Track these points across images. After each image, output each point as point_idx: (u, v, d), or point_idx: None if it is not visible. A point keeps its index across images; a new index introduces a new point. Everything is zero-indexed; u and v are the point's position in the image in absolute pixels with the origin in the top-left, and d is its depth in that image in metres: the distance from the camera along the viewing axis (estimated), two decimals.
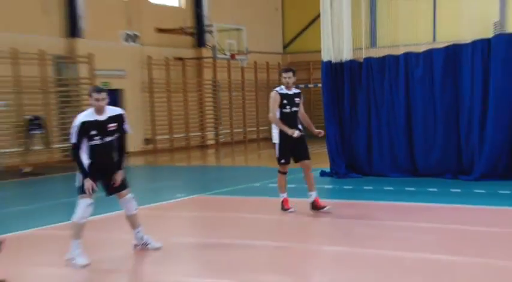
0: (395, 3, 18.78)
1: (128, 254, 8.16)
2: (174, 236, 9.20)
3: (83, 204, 7.65)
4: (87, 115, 7.75)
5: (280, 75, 10.35)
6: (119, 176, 7.95)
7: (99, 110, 7.74)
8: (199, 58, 26.06)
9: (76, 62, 21.39)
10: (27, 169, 18.61)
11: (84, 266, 7.52)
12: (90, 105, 7.85)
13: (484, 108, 13.62)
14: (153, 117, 24.15)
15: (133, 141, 22.19)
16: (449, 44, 14.40)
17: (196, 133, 26.17)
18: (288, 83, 10.12)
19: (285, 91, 10.13)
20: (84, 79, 21.38)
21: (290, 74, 10.14)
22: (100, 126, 7.73)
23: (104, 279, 7.38)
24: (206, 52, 25.77)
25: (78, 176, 7.73)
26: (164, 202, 12.21)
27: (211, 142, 26.82)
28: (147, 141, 24.11)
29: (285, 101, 10.05)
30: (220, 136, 27.28)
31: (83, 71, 21.49)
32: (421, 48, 14.91)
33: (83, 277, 7.38)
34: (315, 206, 10.16)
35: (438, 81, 14.25)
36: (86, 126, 7.65)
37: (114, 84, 22.62)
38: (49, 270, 7.63)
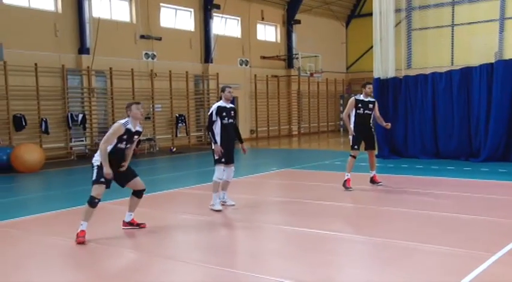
0: (425, 36, 18.18)
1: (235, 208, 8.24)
2: (269, 196, 9.32)
3: (219, 169, 7.81)
4: (220, 103, 7.85)
5: (363, 86, 9.51)
6: (244, 146, 8.05)
7: (228, 99, 7.87)
8: (288, 76, 26.01)
9: (208, 78, 21.83)
10: (174, 149, 19.05)
11: (219, 211, 7.71)
12: (221, 98, 7.91)
13: (488, 110, 13.19)
14: (256, 115, 24.36)
15: (243, 131, 22.52)
16: (463, 66, 13.96)
17: (285, 126, 26.18)
18: (367, 93, 9.43)
19: (361, 98, 9.48)
20: (212, 90, 21.81)
21: (371, 85, 9.56)
22: (228, 111, 7.82)
23: (225, 218, 7.52)
24: (293, 72, 25.67)
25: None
26: (262, 173, 12.28)
27: (295, 132, 26.76)
28: (252, 131, 24.36)
29: (359, 105, 9.41)
30: (301, 128, 27.17)
31: (212, 85, 21.94)
32: (443, 70, 14.47)
33: (211, 218, 7.43)
34: (373, 181, 9.84)
35: (455, 92, 13.81)
36: (219, 110, 7.77)
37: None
38: (184, 216, 7.74)
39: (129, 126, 6.42)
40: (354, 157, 9.50)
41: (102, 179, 6.26)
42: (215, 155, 7.82)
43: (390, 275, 4.94)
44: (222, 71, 21.96)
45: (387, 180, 10.22)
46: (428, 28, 19.57)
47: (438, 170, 12.08)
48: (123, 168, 6.55)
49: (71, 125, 16.83)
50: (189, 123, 20.77)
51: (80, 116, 17.06)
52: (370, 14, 15.31)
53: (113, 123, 17.38)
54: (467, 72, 13.64)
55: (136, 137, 6.54)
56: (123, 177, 6.62)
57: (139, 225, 6.88)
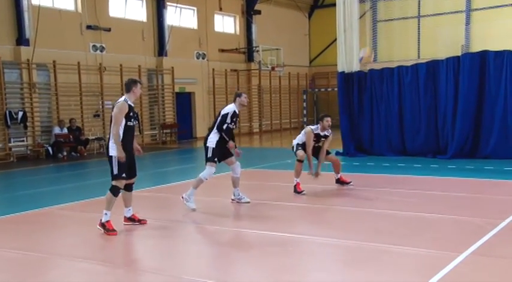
0: (390, 29, 18.58)
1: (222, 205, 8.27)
2: (228, 197, 9.29)
3: (211, 168, 8.03)
4: (235, 107, 8.16)
5: (320, 119, 9.32)
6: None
7: (243, 105, 8.30)
8: (248, 70, 26.08)
9: (162, 73, 21.63)
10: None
11: (193, 210, 7.95)
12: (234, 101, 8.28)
13: (455, 105, 13.61)
14: (214, 112, 24.23)
15: (200, 130, 22.48)
16: (429, 60, 14.36)
17: (245, 123, 26.23)
18: (324, 126, 9.31)
19: (318, 131, 9.35)
20: (167, 85, 21.63)
21: (329, 118, 9.34)
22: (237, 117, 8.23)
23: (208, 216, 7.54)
24: (254, 65, 25.76)
25: (210, 150, 8.04)
26: (220, 174, 12.22)
27: (256, 130, 26.86)
28: (210, 129, 24.22)
29: (314, 139, 9.32)
30: (263, 125, 27.30)
31: (167, 79, 21.76)
32: (409, 63, 14.84)
33: (167, 223, 7.43)
34: (341, 181, 9.87)
35: (422, 86, 14.19)
36: (234, 115, 8.10)
37: (188, 89, 22.95)
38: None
39: (129, 102, 6.74)
40: (301, 161, 9.31)
41: (124, 175, 6.66)
42: (209, 153, 8.07)
43: (356, 278, 5.04)
44: (178, 65, 21.81)
45: (353, 179, 10.40)
46: (394, 19, 20.07)
47: (405, 167, 12.38)
48: (140, 153, 6.99)
49: (9, 123, 16.34)
50: (142, 121, 20.52)
51: (20, 113, 16.59)
52: (334, 5, 15.52)
53: (59, 121, 17.37)
54: (433, 65, 14.03)
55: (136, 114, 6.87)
56: (130, 169, 6.83)
57: (140, 222, 7.10)
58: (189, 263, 5.76)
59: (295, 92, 28.82)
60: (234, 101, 8.30)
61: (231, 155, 8.32)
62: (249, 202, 8.47)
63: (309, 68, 30.21)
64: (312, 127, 9.45)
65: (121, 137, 6.62)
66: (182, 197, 8.11)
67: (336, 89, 18.11)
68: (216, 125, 8.16)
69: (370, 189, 9.57)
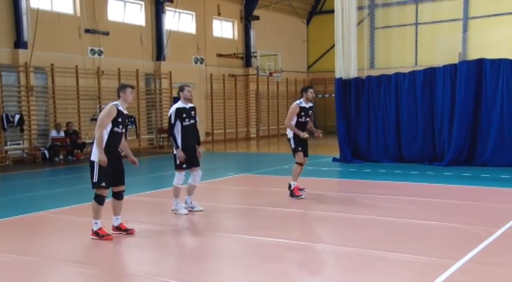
0: (388, 36, 18.62)
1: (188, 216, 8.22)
2: (224, 203, 9.30)
3: (180, 175, 7.88)
4: (179, 104, 7.83)
5: (304, 91, 9.31)
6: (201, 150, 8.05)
7: (187, 99, 7.86)
8: (246, 75, 26.09)
9: (160, 77, 21.62)
10: (123, 153, 18.71)
11: (186, 214, 7.88)
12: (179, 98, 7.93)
13: (452, 112, 13.65)
14: (212, 116, 24.31)
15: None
16: (427, 67, 14.40)
17: (243, 128, 26.24)
18: (308, 98, 9.25)
19: (303, 104, 9.25)
20: (165, 90, 21.62)
21: (312, 90, 9.36)
22: (188, 112, 7.82)
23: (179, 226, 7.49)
24: (252, 71, 25.76)
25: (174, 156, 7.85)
26: (218, 178, 12.19)
27: (253, 135, 26.85)
28: (208, 134, 24.26)
29: (302, 113, 9.21)
30: (260, 131, 27.29)
31: (165, 84, 21.75)
32: (407, 70, 14.89)
33: (164, 227, 7.43)
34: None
35: (419, 93, 14.23)
36: (178, 112, 7.76)
37: None
38: (137, 225, 7.65)
39: (120, 108, 6.52)
40: (301, 164, 9.25)
41: (104, 184, 6.42)
42: (177, 160, 7.83)
43: None
44: (176, 70, 21.80)
45: (348, 185, 10.40)
46: (392, 27, 20.11)
47: (401, 174, 12.36)
48: (136, 164, 6.75)
49: (6, 126, 16.30)
50: (140, 126, 20.49)
51: (17, 116, 16.54)
52: (332, 11, 15.56)
53: (56, 124, 17.34)
54: (430, 73, 14.06)
55: (127, 121, 6.65)
56: (116, 176, 6.60)
57: (128, 231, 6.85)
58: (184, 268, 5.73)
59: (293, 97, 28.77)
60: (179, 97, 7.95)
61: (197, 164, 8.06)
62: (201, 210, 8.15)
63: (306, 74, 30.25)
64: (297, 101, 9.32)
65: (104, 142, 6.37)
66: (172, 210, 7.97)
67: (333, 95, 18.13)
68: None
69: (367, 195, 9.54)
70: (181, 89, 7.91)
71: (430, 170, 12.96)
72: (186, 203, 8.16)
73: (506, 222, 7.11)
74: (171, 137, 7.81)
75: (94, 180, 6.42)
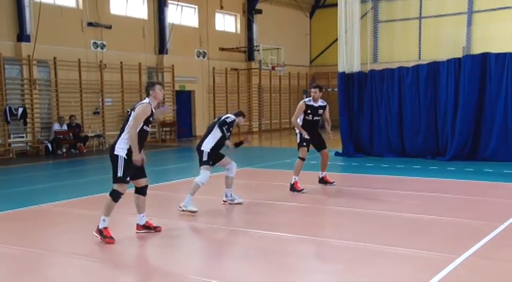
0: (392, 29, 18.56)
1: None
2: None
3: (206, 172, 7.86)
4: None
5: (309, 87, 9.73)
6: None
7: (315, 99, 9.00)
8: (249, 69, 26.07)
9: (162, 71, 21.62)
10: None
11: (195, 211, 7.65)
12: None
13: (455, 107, 13.61)
14: (214, 110, 24.26)
15: (200, 128, 22.45)
16: (430, 61, 14.36)
17: (245, 123, 26.25)
18: (313, 98, 9.29)
19: (311, 103, 9.33)
20: (167, 83, 21.63)
21: (317, 90, 9.31)
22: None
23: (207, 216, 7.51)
24: (254, 64, 25.74)
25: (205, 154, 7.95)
26: (220, 172, 12.19)
27: (256, 129, 26.86)
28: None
29: (308, 111, 9.29)
30: (263, 125, 27.30)
31: (167, 77, 21.76)
32: (411, 64, 14.85)
33: (168, 220, 7.38)
34: (324, 181, 9.87)
35: (422, 87, 14.19)
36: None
37: (188, 87, 22.95)
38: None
39: (153, 107, 6.36)
40: (303, 159, 9.33)
41: (128, 179, 6.22)
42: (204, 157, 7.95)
43: (354, 278, 5.04)
44: (178, 63, 21.80)
45: (351, 179, 10.40)
46: (395, 20, 20.05)
47: (404, 169, 12.37)
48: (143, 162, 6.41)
49: (9, 119, 16.33)
50: None
51: (20, 109, 16.58)
52: (335, 5, 15.53)
53: (58, 117, 17.37)
54: (434, 67, 14.01)
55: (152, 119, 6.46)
56: (138, 170, 6.40)
57: (156, 229, 6.68)
58: (188, 261, 5.76)
59: (295, 91, 28.82)
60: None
61: (223, 156, 8.23)
62: (241, 203, 8.34)
63: (309, 68, 30.20)
64: (305, 99, 9.49)
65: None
66: (180, 207, 7.77)
67: (336, 89, 18.13)
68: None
69: (369, 190, 9.56)
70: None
71: (433, 164, 12.95)
72: (226, 196, 8.32)
73: (508, 217, 7.12)
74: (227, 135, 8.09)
75: (119, 175, 6.15)
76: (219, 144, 8.07)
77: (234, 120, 8.19)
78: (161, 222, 7.13)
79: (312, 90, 9.41)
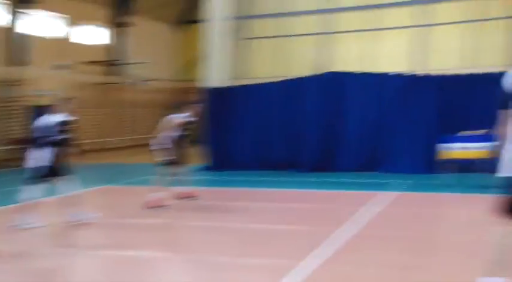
0: (261, 46, 19.23)
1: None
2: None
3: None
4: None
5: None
6: None
7: None
8: (113, 83, 25.25)
9: (19, 84, 20.22)
10: None
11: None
12: None
13: (316, 121, 14.54)
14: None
15: None
16: (294, 77, 15.07)
17: (110, 138, 25.38)
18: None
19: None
20: (20, 98, 20.24)
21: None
22: None
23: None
24: (119, 79, 25.13)
25: None
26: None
27: (121, 145, 25.76)
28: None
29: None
30: (128, 140, 26.37)
31: (24, 92, 20.44)
32: (276, 80, 15.36)
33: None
34: (184, 196, 9.90)
35: (285, 102, 14.89)
36: None
37: (47, 102, 21.66)
38: None
39: None
40: (169, 175, 9.43)
41: None
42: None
43: None
44: (37, 76, 20.53)
45: (214, 193, 10.54)
46: (262, 38, 20.78)
47: (266, 181, 12.75)
48: None
49: None
50: None
51: None
52: (203, 20, 15.69)
53: None
54: (298, 83, 14.84)
55: None
56: None
57: None
58: None
59: (161, 106, 28.29)
60: None
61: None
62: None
63: (175, 83, 30.01)
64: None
65: None
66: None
67: (202, 104, 18.28)
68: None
69: (226, 203, 9.75)
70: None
71: (294, 176, 13.52)
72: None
73: (344, 222, 7.72)
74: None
75: None
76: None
77: None
78: None
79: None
